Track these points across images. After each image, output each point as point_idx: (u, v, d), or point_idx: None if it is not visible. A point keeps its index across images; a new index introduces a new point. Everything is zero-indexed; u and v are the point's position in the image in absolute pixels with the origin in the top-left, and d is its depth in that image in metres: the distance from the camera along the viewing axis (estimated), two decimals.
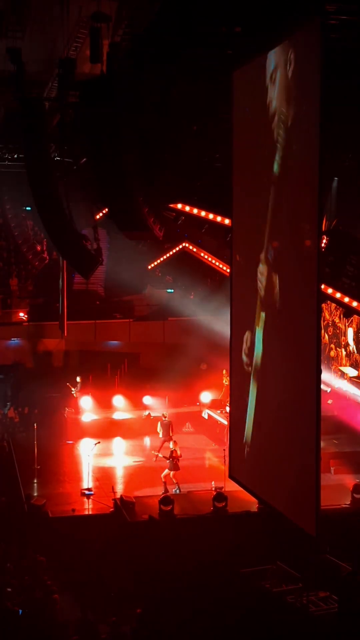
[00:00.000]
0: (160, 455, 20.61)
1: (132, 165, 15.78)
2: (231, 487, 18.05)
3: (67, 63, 17.19)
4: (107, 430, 25.03)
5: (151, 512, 17.88)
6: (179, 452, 19.90)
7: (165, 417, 22.43)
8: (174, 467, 19.65)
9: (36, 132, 19.53)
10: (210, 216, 20.93)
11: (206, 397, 26.69)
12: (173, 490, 19.45)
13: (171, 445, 20.16)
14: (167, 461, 19.74)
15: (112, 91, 15.16)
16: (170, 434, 21.97)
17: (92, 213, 24.22)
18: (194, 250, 31.43)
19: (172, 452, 19.76)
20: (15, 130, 21.71)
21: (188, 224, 23.42)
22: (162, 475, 19.78)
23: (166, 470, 19.73)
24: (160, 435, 22.05)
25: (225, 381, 25.25)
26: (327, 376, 23.97)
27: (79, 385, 26.24)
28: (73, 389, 26.06)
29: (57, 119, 20.97)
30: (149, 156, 16.88)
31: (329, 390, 23.83)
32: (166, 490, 19.42)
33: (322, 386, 16.19)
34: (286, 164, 14.12)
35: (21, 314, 30.77)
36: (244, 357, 16.38)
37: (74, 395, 26.00)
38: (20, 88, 18.66)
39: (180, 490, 19.42)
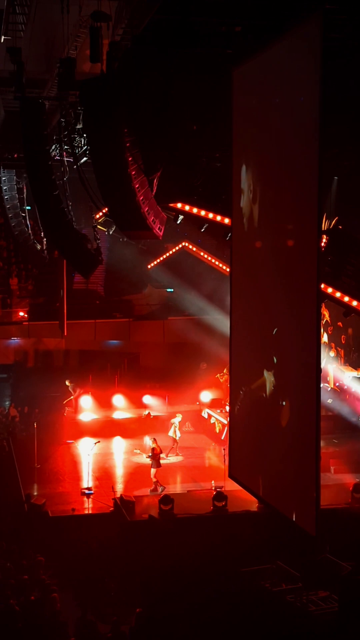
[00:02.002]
0: (138, 451, 20.71)
1: (132, 165, 15.77)
2: (231, 486, 18.06)
3: (67, 62, 17.19)
4: (106, 429, 25.05)
5: (151, 511, 17.87)
6: (158, 449, 19.99)
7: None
8: (157, 464, 19.67)
9: (36, 132, 19.53)
10: (210, 215, 20.92)
11: (206, 396, 26.71)
12: (159, 489, 19.36)
13: (151, 443, 20.19)
14: (149, 459, 19.77)
15: (112, 91, 15.15)
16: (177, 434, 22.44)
17: (92, 213, 24.21)
18: (194, 249, 31.45)
19: (152, 449, 19.79)
20: (15, 130, 21.72)
21: (188, 223, 23.42)
22: (152, 474, 19.81)
23: (153, 470, 19.78)
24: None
25: (222, 378, 25.30)
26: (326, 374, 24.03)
27: (71, 387, 26.28)
28: (72, 396, 26.11)
29: (57, 119, 20.97)
30: (148, 156, 16.86)
31: (329, 388, 23.85)
32: (155, 489, 19.45)
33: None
34: (286, 164, 14.13)
35: (21, 314, 30.79)
36: (244, 356, 16.40)
37: (73, 397, 26.05)
38: (20, 88, 18.66)
39: (163, 490, 19.28)
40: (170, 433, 22.53)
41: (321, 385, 13.80)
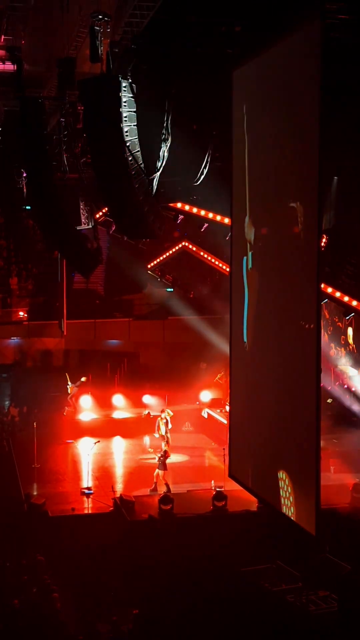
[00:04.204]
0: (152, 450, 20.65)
1: (131, 164, 15.77)
2: (231, 486, 18.06)
3: (67, 62, 17.19)
4: (106, 429, 25.04)
5: (151, 511, 17.89)
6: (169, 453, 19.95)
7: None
8: (164, 467, 19.65)
9: (36, 132, 19.52)
10: (210, 215, 20.92)
11: (206, 396, 26.70)
12: (163, 491, 19.33)
13: (163, 445, 20.15)
14: (159, 461, 19.73)
15: (112, 90, 15.16)
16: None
17: (92, 213, 24.18)
18: (194, 249, 31.40)
19: (165, 452, 19.77)
20: (15, 130, 21.71)
21: (188, 223, 23.42)
22: (154, 474, 19.80)
23: (157, 470, 19.74)
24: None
25: (221, 380, 25.28)
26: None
27: (78, 383, 26.22)
28: (69, 384, 26.02)
29: (57, 119, 20.96)
30: (149, 156, 16.86)
31: (329, 387, 23.87)
32: (155, 489, 19.45)
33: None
34: (286, 163, 14.13)
35: (21, 313, 30.78)
36: (244, 355, 16.39)
37: (68, 390, 26.00)
38: (20, 88, 18.66)
39: (170, 491, 19.26)
40: (162, 432, 22.41)
41: (321, 384, 13.81)
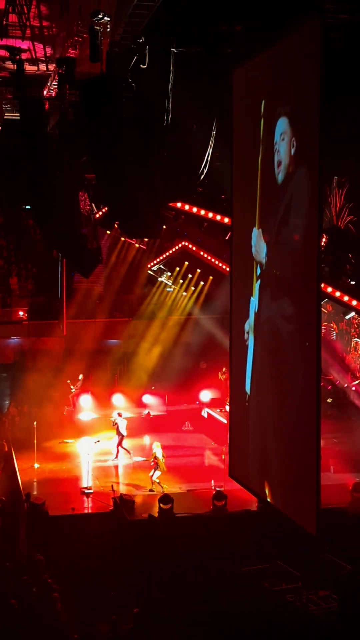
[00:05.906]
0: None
1: (131, 164, 15.79)
2: (231, 485, 18.06)
3: (67, 62, 17.20)
4: (106, 429, 25.04)
5: (150, 510, 17.90)
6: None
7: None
8: (160, 468, 19.66)
9: (36, 132, 19.53)
10: (210, 215, 20.91)
11: (206, 395, 26.72)
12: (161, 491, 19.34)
13: (160, 453, 20.14)
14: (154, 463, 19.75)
15: (112, 90, 15.18)
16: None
17: (92, 213, 24.21)
18: (194, 248, 31.40)
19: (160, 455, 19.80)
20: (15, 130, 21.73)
21: (188, 222, 23.44)
22: (150, 474, 19.82)
23: (154, 471, 19.74)
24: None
25: (222, 377, 25.29)
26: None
27: (79, 383, 26.25)
28: (72, 387, 26.08)
29: (57, 118, 20.99)
30: (148, 155, 16.88)
31: (329, 387, 23.91)
32: (153, 489, 19.48)
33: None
34: (286, 163, 14.13)
35: (21, 313, 30.78)
36: (244, 354, 16.40)
37: (72, 392, 26.04)
38: (20, 88, 18.67)
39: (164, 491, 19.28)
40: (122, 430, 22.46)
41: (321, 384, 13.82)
